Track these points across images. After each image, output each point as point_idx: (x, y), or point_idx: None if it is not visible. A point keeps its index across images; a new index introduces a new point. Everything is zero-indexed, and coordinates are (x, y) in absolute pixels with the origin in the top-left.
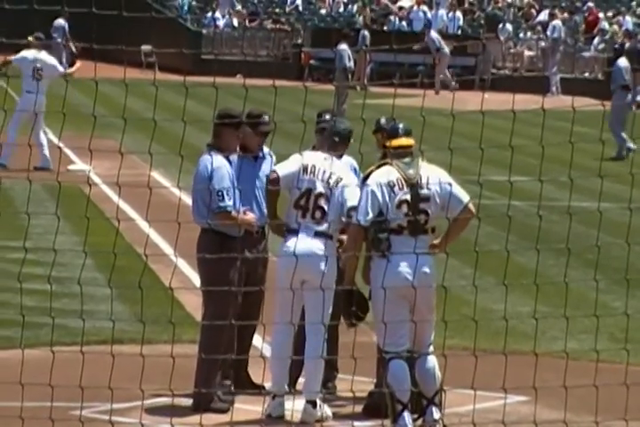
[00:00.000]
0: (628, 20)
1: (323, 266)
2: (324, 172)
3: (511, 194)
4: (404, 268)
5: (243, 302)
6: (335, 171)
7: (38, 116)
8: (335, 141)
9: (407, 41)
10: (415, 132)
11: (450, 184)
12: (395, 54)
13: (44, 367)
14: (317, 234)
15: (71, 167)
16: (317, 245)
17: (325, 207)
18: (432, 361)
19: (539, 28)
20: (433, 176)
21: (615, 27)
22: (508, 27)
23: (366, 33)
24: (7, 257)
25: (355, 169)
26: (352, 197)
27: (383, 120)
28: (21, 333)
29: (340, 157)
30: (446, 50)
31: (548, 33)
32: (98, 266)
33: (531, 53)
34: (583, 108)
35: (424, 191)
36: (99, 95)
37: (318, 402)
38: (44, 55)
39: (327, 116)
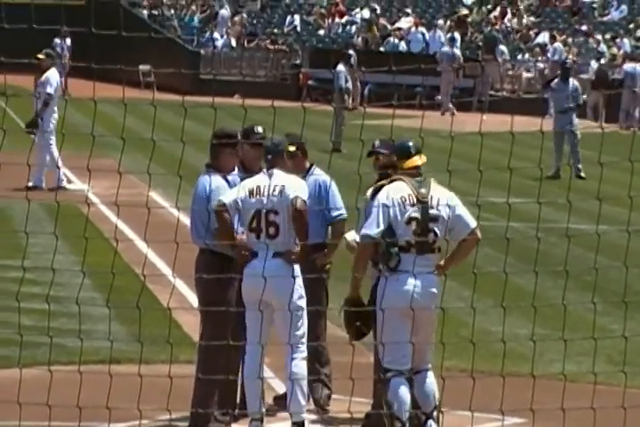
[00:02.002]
0: (626, 43)
1: (283, 287)
2: (268, 187)
3: (509, 216)
4: (412, 287)
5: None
6: (277, 182)
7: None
8: (269, 159)
9: (405, 62)
10: None
11: (459, 208)
12: (393, 75)
13: (42, 387)
14: (276, 255)
15: (69, 186)
16: (273, 267)
17: (276, 220)
18: (430, 377)
19: (537, 49)
20: (443, 198)
21: (614, 49)
22: (503, 48)
23: (351, 52)
24: (5, 276)
25: (320, 185)
26: (295, 191)
27: (377, 143)
28: (19, 352)
29: (306, 171)
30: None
31: (549, 55)
32: (96, 286)
33: (529, 75)
34: (582, 131)
35: (434, 211)
36: (97, 115)
37: (306, 424)
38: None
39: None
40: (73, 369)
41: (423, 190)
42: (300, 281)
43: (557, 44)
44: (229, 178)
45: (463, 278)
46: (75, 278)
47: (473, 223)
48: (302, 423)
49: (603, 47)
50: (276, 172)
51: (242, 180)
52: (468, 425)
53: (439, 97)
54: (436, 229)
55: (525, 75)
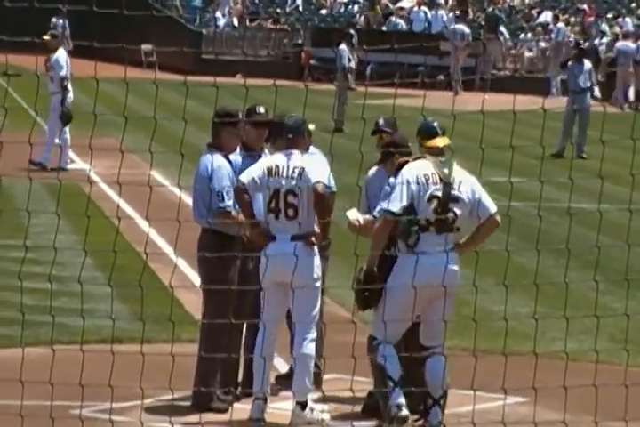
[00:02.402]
0: (629, 22)
1: (301, 266)
2: (287, 167)
3: (511, 195)
4: (431, 266)
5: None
6: (297, 164)
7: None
8: (290, 138)
9: (407, 41)
10: (415, 132)
11: (480, 192)
12: (395, 55)
13: (44, 366)
14: (294, 238)
15: (71, 166)
16: (296, 249)
17: (295, 202)
18: (443, 362)
19: (539, 29)
20: (465, 181)
21: (617, 28)
22: (502, 29)
23: (352, 31)
24: (7, 256)
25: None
26: (316, 175)
27: (382, 121)
28: (21, 331)
29: (306, 150)
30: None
31: (553, 35)
32: (97, 265)
33: (531, 55)
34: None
35: (455, 192)
36: (99, 94)
37: (310, 404)
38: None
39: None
40: (75, 348)
41: (446, 170)
42: (318, 262)
43: (560, 25)
44: (231, 157)
45: (464, 257)
46: (76, 258)
47: (493, 208)
48: (305, 403)
49: (604, 27)
50: (295, 152)
51: (243, 159)
52: (470, 404)
53: (441, 76)
54: (456, 210)
55: (527, 54)
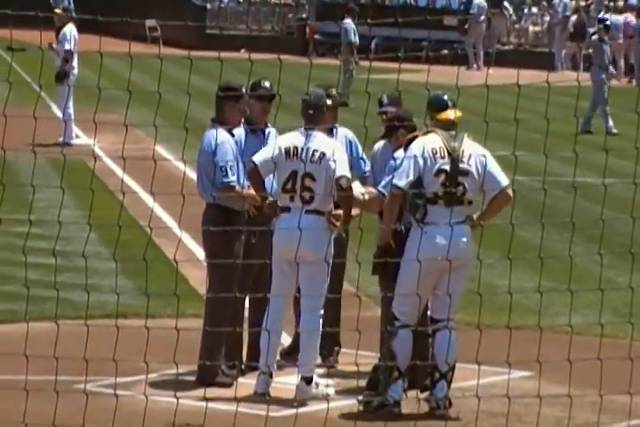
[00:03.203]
0: None
1: (313, 242)
2: (307, 150)
3: (515, 168)
4: (441, 239)
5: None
6: (317, 147)
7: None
8: (311, 114)
9: (410, 15)
10: (419, 107)
11: (490, 165)
12: (399, 29)
13: (49, 341)
14: (308, 211)
15: (76, 141)
16: (308, 222)
17: (312, 186)
18: (453, 336)
19: (544, 3)
20: (475, 154)
21: (620, 2)
22: (506, 4)
23: (353, 5)
24: (11, 230)
25: (350, 141)
26: (340, 167)
27: (386, 100)
28: (26, 306)
29: (331, 130)
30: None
31: (559, 10)
32: (102, 240)
33: (536, 29)
34: (588, 84)
35: (464, 166)
36: (103, 69)
37: (315, 379)
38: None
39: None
40: (79, 323)
41: (455, 144)
42: (330, 236)
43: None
44: (235, 132)
45: None
46: (81, 232)
47: (504, 182)
48: (311, 378)
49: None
50: (314, 133)
51: (247, 134)
52: (474, 378)
53: (445, 51)
54: (465, 183)
55: (532, 28)
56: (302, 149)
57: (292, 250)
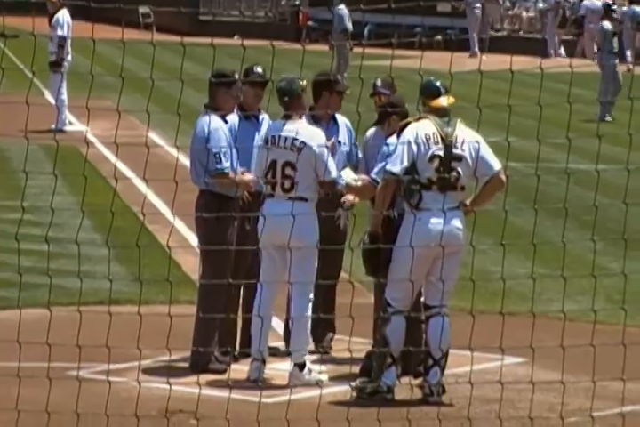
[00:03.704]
0: None
1: (297, 228)
2: (286, 138)
3: (508, 155)
4: (435, 225)
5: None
6: (297, 135)
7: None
8: (287, 101)
9: (404, 1)
10: (413, 93)
11: (483, 150)
12: (392, 15)
13: (42, 327)
14: (292, 198)
15: (68, 128)
16: (291, 208)
17: (293, 175)
18: (446, 323)
19: None
20: (468, 139)
21: None
22: None
23: None
24: (4, 217)
25: (349, 129)
26: (329, 168)
27: (379, 83)
28: (19, 293)
29: (334, 117)
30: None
31: None
32: (95, 226)
33: (529, 15)
34: (581, 70)
35: (457, 151)
36: (96, 56)
37: (308, 365)
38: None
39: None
40: (72, 310)
41: (448, 130)
42: (314, 222)
43: None
44: (228, 118)
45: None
46: (74, 219)
47: (497, 166)
48: (303, 364)
49: None
50: (293, 120)
51: (240, 120)
52: (467, 365)
53: (439, 37)
54: (459, 169)
55: (525, 14)
56: (281, 138)
57: (276, 236)
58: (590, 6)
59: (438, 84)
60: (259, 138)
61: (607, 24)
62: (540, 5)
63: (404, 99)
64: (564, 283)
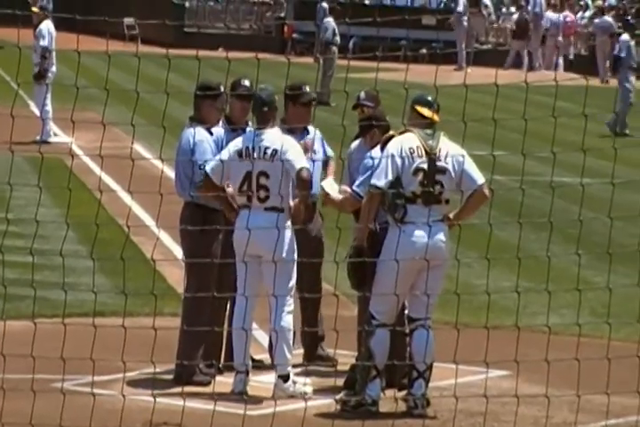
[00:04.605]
0: None
1: (273, 240)
2: (259, 149)
3: (493, 168)
4: (419, 238)
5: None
6: (269, 144)
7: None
8: (266, 112)
9: (389, 15)
10: (397, 106)
11: (467, 163)
12: (377, 28)
13: (26, 340)
14: (267, 209)
15: (53, 139)
16: (267, 220)
17: (267, 184)
18: (430, 335)
19: (522, 2)
20: (452, 152)
21: (599, 1)
22: (487, 1)
23: (325, 5)
24: None
25: (321, 137)
26: (297, 160)
27: (363, 95)
28: (3, 305)
29: (306, 128)
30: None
31: (529, 8)
32: (80, 238)
33: (514, 28)
34: (566, 83)
35: (441, 164)
36: (81, 68)
37: (292, 377)
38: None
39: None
40: (57, 322)
41: (432, 143)
42: (290, 233)
43: None
44: (214, 131)
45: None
46: (58, 231)
47: (480, 180)
48: (287, 376)
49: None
50: (266, 130)
51: (227, 133)
52: (452, 378)
53: (424, 50)
54: (443, 182)
55: (510, 27)
56: (254, 149)
57: (250, 248)
58: (600, 23)
59: (430, 98)
60: (223, 154)
61: (626, 37)
62: (528, 17)
63: (387, 112)
64: (548, 297)
